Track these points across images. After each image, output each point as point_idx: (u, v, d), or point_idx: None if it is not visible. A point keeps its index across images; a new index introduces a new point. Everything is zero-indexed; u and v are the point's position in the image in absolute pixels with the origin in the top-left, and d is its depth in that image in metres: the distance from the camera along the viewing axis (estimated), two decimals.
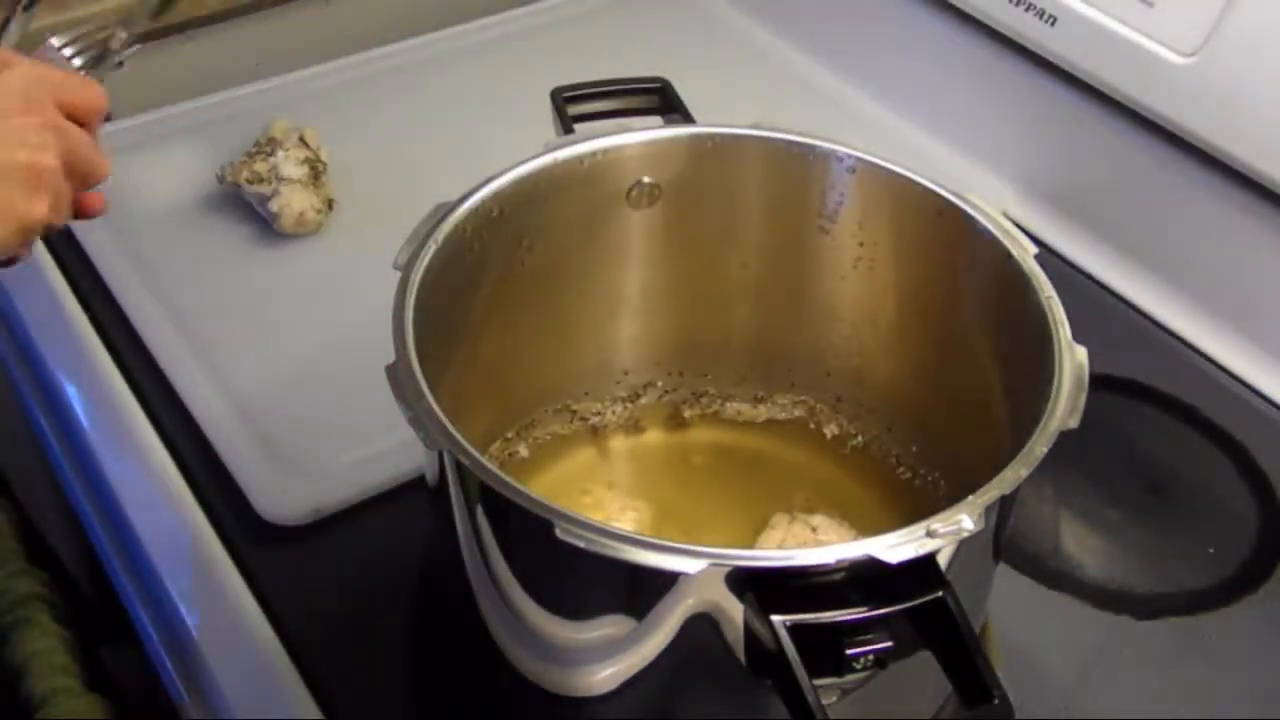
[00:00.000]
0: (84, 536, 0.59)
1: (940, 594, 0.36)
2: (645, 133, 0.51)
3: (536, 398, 0.55)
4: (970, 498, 0.38)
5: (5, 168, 0.41)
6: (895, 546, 0.36)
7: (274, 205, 0.64)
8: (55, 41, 0.47)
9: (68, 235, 0.65)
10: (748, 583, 0.36)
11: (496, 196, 0.48)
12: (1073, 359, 0.43)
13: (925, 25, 0.75)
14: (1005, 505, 0.42)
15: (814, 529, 0.51)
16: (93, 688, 0.54)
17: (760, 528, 0.52)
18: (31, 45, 0.76)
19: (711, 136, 0.51)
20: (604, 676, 0.42)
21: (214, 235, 0.66)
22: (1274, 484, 0.57)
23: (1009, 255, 0.46)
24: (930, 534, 0.36)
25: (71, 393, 0.59)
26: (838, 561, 0.36)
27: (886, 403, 0.54)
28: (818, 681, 0.35)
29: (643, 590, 0.39)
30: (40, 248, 0.65)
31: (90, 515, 0.57)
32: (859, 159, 0.50)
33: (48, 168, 0.42)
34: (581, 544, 0.36)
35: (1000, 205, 0.64)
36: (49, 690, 0.53)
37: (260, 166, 0.64)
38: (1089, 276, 0.67)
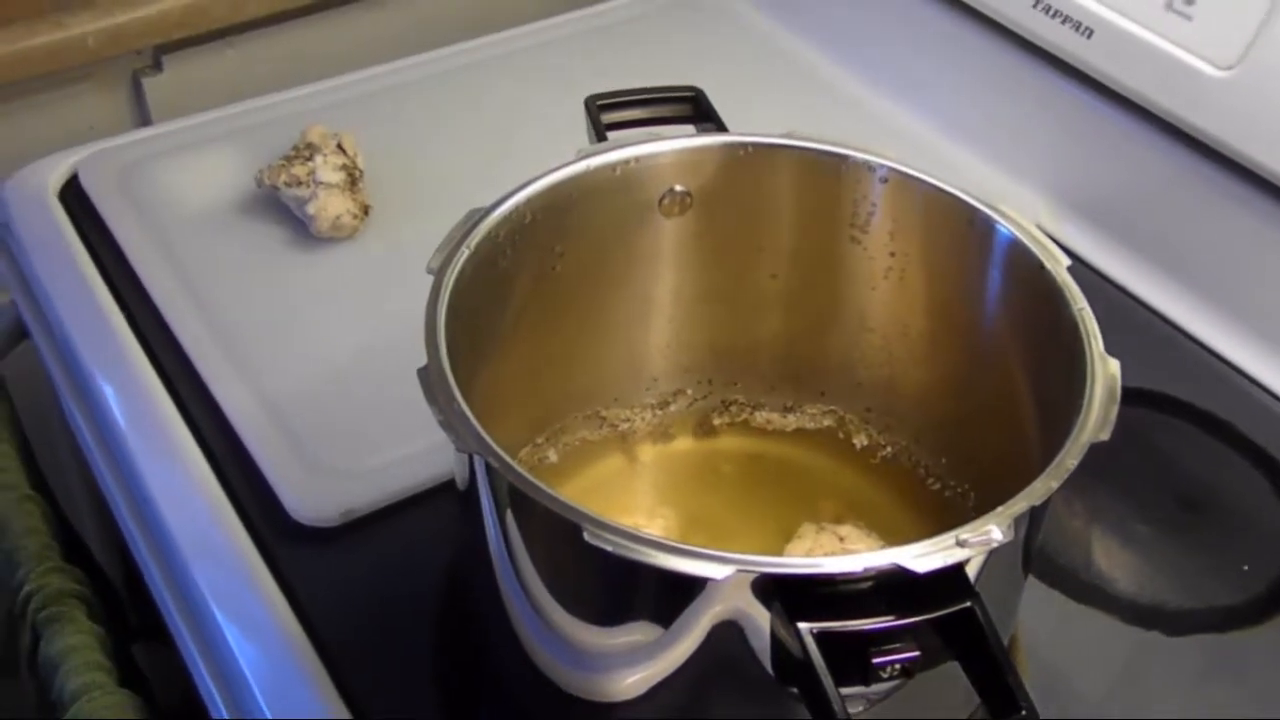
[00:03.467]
0: (118, 535, 0.59)
1: (969, 604, 0.36)
2: (678, 141, 0.51)
3: (566, 403, 0.55)
4: (1000, 508, 0.38)
5: None
6: (924, 556, 0.36)
7: (311, 208, 0.65)
8: None
9: (106, 236, 0.66)
10: (775, 590, 0.36)
11: (530, 203, 0.48)
12: (1105, 371, 0.42)
13: (959, 36, 0.74)
14: (1035, 517, 0.42)
15: (841, 539, 0.51)
16: (125, 684, 0.54)
17: (788, 537, 0.52)
18: (68, 52, 0.77)
19: (744, 145, 0.51)
20: (630, 682, 0.42)
21: (250, 238, 0.66)
22: None
23: (1041, 267, 0.46)
24: (960, 544, 0.36)
25: (108, 392, 0.60)
26: (866, 570, 0.36)
27: (916, 413, 0.54)
28: (844, 690, 0.35)
29: (670, 596, 0.39)
30: (78, 248, 0.66)
31: (124, 514, 0.58)
32: (891, 169, 0.50)
33: None
34: (610, 548, 0.36)
35: (1033, 217, 0.63)
36: (82, 686, 0.53)
37: (299, 170, 0.65)
38: (1122, 289, 0.66)
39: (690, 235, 0.53)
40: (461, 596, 0.51)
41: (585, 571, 0.41)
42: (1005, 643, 0.43)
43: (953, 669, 0.36)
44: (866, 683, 0.36)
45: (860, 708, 0.39)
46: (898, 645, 0.36)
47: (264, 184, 0.66)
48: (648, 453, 0.57)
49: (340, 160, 0.66)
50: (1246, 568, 0.54)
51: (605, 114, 0.54)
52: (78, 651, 0.55)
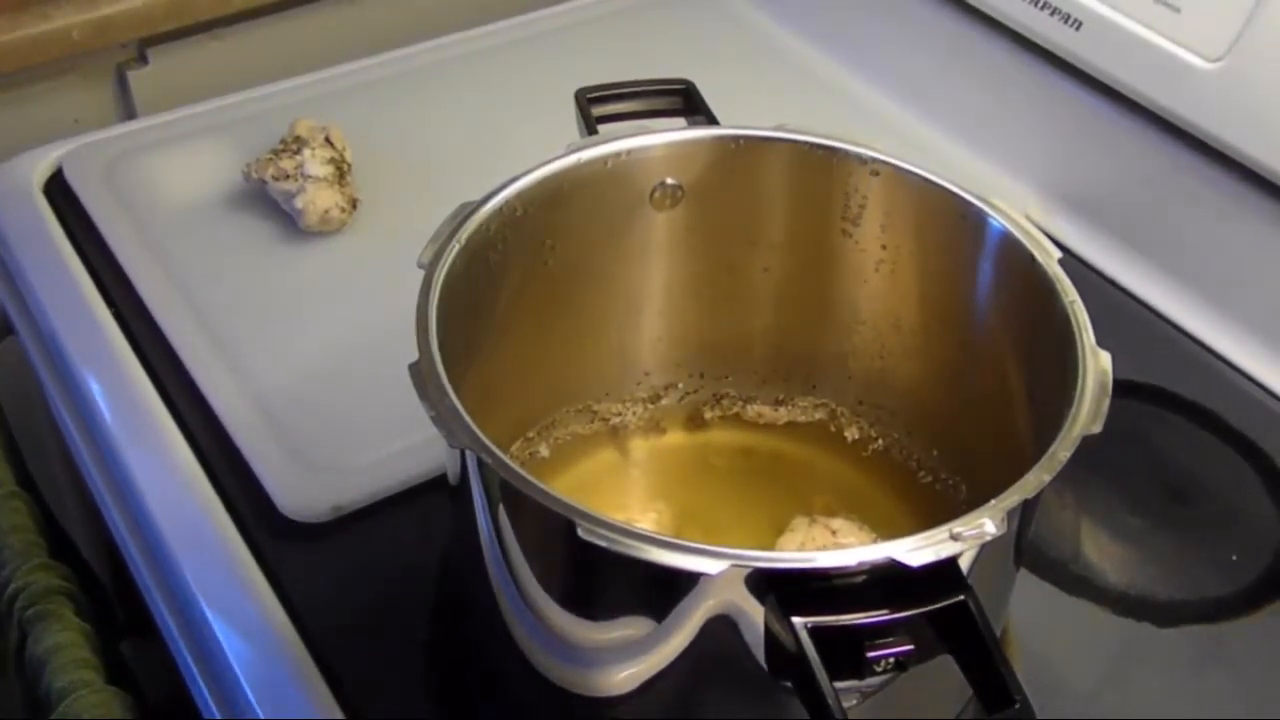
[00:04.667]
0: (105, 531, 0.59)
1: (961, 598, 0.36)
2: (669, 134, 0.51)
3: (558, 398, 0.55)
4: (992, 501, 0.38)
5: None
6: (917, 549, 0.36)
7: (299, 202, 0.64)
8: None
9: (91, 230, 0.66)
10: (769, 584, 0.36)
11: (520, 196, 0.48)
12: (1096, 364, 0.42)
13: (949, 29, 0.74)
14: (1027, 510, 0.42)
15: (834, 532, 0.51)
16: (114, 682, 0.54)
17: (780, 530, 0.52)
18: (52, 44, 0.77)
19: (735, 138, 0.51)
20: (624, 677, 0.42)
21: (238, 232, 0.66)
22: None
23: (1032, 259, 0.46)
24: (953, 537, 0.36)
25: (94, 388, 0.60)
26: (859, 564, 0.36)
27: (908, 406, 0.54)
28: (838, 684, 0.35)
29: (663, 591, 0.39)
30: (63, 242, 0.66)
31: (111, 510, 0.58)
32: (882, 162, 0.50)
33: None
34: (604, 544, 0.36)
35: (1023, 209, 0.64)
36: (69, 684, 0.53)
37: (287, 163, 0.65)
38: (1112, 282, 0.66)
39: (681, 228, 0.52)
40: (453, 592, 0.51)
41: (578, 567, 0.41)
42: (997, 635, 0.43)
43: (946, 662, 0.36)
44: (860, 676, 0.36)
45: (854, 701, 0.39)
46: (891, 639, 0.36)
47: (251, 178, 0.66)
48: (639, 447, 0.56)
49: (328, 154, 0.66)
50: (1235, 559, 0.54)
51: (595, 107, 0.54)
52: (65, 649, 0.54)
